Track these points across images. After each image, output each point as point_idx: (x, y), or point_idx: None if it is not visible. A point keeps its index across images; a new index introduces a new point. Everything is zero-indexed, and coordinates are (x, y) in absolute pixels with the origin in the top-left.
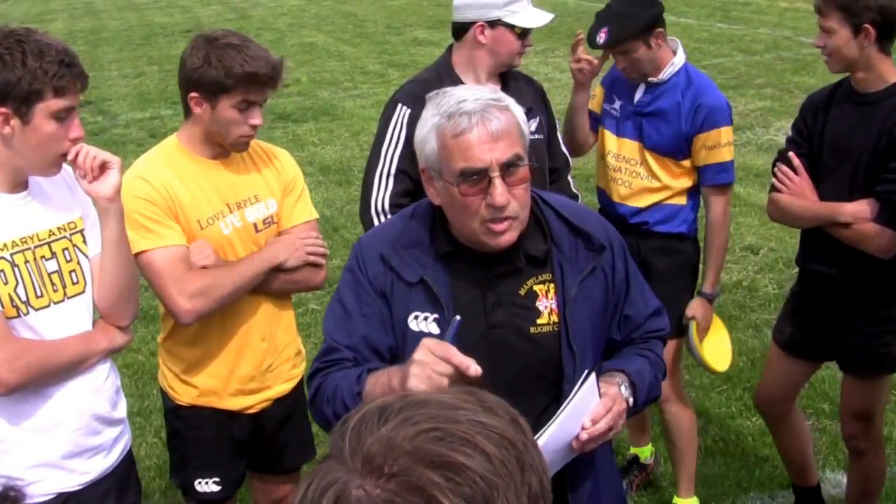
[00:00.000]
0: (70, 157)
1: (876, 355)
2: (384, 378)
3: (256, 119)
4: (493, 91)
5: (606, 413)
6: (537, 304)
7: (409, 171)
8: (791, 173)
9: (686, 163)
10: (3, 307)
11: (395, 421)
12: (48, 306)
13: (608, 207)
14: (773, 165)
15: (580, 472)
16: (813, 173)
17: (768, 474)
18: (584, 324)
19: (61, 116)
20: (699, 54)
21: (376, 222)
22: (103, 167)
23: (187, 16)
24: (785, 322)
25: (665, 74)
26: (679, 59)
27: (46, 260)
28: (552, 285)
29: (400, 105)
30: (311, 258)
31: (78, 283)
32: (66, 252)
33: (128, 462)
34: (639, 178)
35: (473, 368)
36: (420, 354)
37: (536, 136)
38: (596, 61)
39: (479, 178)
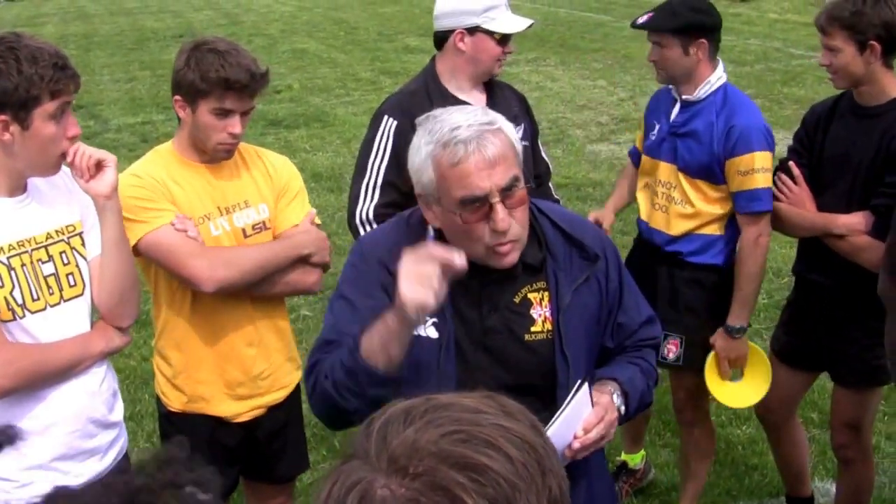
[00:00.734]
0: (68, 158)
1: (869, 367)
2: (378, 324)
3: (235, 128)
4: (483, 112)
5: (599, 422)
6: (531, 311)
7: (396, 182)
8: (790, 182)
9: (723, 188)
10: None
11: (419, 423)
12: (44, 309)
13: (645, 234)
14: (774, 174)
15: (574, 476)
16: (813, 184)
17: (758, 483)
18: (578, 332)
19: (57, 116)
20: None
21: (362, 232)
22: (99, 165)
23: (179, 21)
24: (781, 331)
25: (701, 92)
26: (716, 78)
27: (43, 263)
28: (546, 293)
29: (386, 117)
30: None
31: (76, 285)
32: (63, 255)
33: (123, 466)
34: (673, 202)
35: (458, 259)
36: (403, 263)
37: (522, 143)
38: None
39: (479, 204)
